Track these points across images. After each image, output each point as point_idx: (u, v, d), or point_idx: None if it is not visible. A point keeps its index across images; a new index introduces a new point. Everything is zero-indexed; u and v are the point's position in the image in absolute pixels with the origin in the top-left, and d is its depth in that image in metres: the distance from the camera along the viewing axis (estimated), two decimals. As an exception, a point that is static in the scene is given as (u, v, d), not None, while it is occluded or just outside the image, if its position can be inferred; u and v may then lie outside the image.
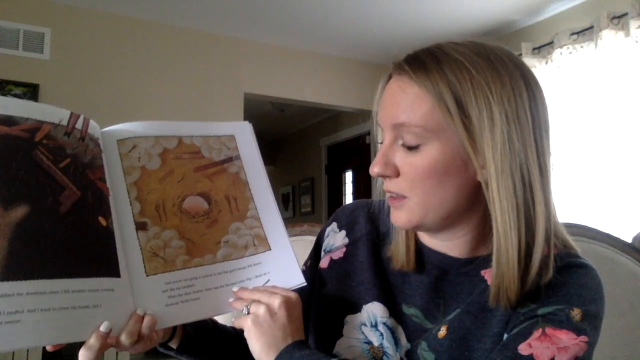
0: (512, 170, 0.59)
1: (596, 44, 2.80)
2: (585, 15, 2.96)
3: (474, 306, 0.66)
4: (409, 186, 0.63)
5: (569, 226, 0.99)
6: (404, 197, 0.64)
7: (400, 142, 0.64)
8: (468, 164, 0.62)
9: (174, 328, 0.71)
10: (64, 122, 0.63)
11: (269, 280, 0.70)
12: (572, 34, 2.96)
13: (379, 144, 0.70)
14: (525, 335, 0.60)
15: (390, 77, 0.68)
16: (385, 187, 0.66)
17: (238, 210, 0.72)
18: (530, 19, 3.34)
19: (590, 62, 2.86)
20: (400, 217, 0.65)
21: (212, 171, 0.73)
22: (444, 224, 0.66)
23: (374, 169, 0.65)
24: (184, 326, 0.72)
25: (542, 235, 0.61)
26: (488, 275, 0.67)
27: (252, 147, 0.77)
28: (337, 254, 0.77)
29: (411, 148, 0.62)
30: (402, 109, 0.63)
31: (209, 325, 0.77)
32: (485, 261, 0.67)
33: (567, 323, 0.60)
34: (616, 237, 1.03)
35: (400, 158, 0.64)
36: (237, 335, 0.80)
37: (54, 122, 0.62)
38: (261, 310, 0.64)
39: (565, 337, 0.59)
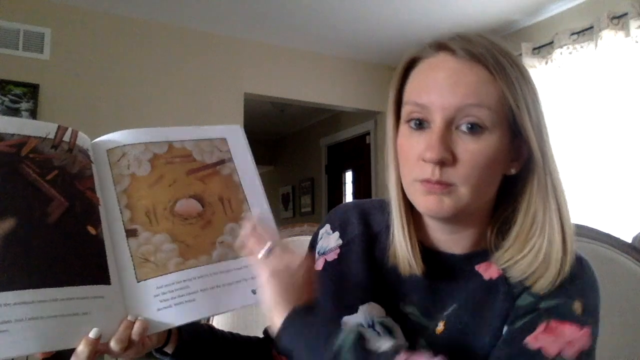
0: (552, 165, 0.64)
1: (596, 44, 2.80)
2: (585, 15, 2.96)
3: (471, 302, 0.66)
4: (465, 174, 0.61)
5: (569, 226, 0.99)
6: (451, 185, 0.62)
7: (459, 126, 0.61)
8: (509, 155, 0.65)
9: (169, 333, 0.70)
10: (51, 136, 0.65)
11: None
12: (572, 34, 2.95)
13: (390, 132, 0.69)
14: (529, 329, 0.61)
15: (418, 60, 0.66)
16: (433, 176, 0.61)
17: (232, 211, 0.72)
18: (530, 19, 3.34)
19: (590, 62, 2.86)
20: (444, 204, 0.62)
21: (204, 173, 0.73)
22: (471, 213, 0.66)
23: (432, 155, 0.60)
24: (179, 331, 0.71)
25: (571, 225, 0.64)
26: (482, 270, 0.68)
27: (244, 150, 0.77)
28: (331, 256, 0.77)
29: (475, 132, 0.61)
30: (473, 89, 0.61)
31: (205, 330, 0.76)
32: (480, 257, 0.68)
33: (570, 315, 0.61)
34: (616, 237, 1.03)
35: (460, 144, 0.61)
36: (233, 340, 0.80)
37: (41, 136, 0.64)
38: (282, 263, 0.63)
39: (569, 330, 0.60)
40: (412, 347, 0.66)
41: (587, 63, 2.88)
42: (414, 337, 0.67)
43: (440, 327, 0.66)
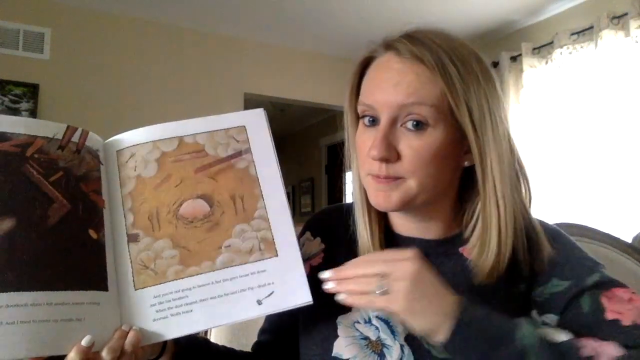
0: (508, 157, 0.66)
1: (596, 44, 2.80)
2: (585, 15, 2.96)
3: (475, 290, 0.67)
4: (410, 170, 0.64)
5: (569, 226, 0.99)
6: (399, 178, 0.64)
7: (404, 123, 0.64)
8: (460, 149, 0.66)
9: (164, 344, 0.67)
10: (59, 136, 0.64)
11: (273, 292, 0.64)
12: (572, 34, 2.95)
13: (348, 128, 0.72)
14: (600, 307, 0.63)
15: (372, 59, 0.69)
16: (380, 172, 0.64)
17: (244, 210, 0.67)
18: (530, 19, 3.34)
19: (590, 62, 2.86)
20: (392, 198, 0.65)
21: (215, 170, 0.69)
22: (427, 204, 0.68)
23: (374, 153, 0.63)
24: (175, 343, 0.69)
25: (507, 221, 0.65)
26: (467, 252, 0.69)
27: (265, 138, 0.71)
28: (316, 260, 0.77)
29: (418, 130, 0.63)
30: (414, 88, 0.63)
31: (201, 344, 0.75)
32: (461, 239, 0.70)
33: (610, 282, 0.66)
34: (616, 237, 1.03)
35: (404, 141, 0.64)
36: (228, 354, 0.79)
37: (48, 136, 0.63)
38: (401, 284, 0.56)
39: (621, 293, 0.64)
40: (411, 334, 0.67)
41: (587, 63, 2.88)
42: None
43: None
